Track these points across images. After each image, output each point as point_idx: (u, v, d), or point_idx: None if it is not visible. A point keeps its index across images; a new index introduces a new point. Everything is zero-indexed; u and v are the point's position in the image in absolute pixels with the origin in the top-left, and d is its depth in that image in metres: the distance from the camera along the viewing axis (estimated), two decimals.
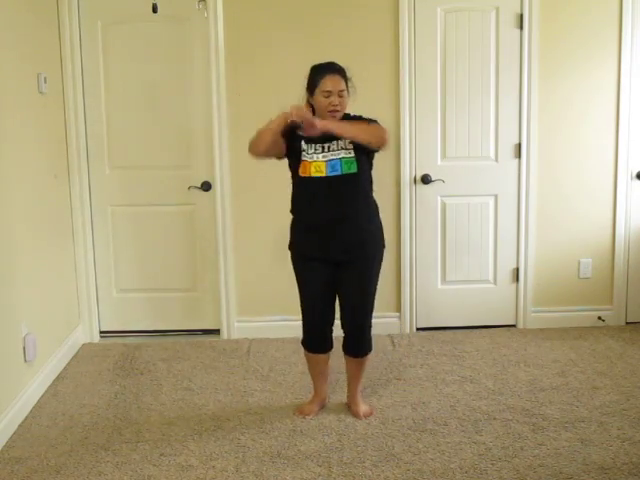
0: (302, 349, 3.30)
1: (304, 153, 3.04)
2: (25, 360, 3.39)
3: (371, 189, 3.16)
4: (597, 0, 4.16)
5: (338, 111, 3.02)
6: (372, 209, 3.16)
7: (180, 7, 4.13)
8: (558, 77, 4.22)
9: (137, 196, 4.32)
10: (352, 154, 3.01)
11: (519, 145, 4.29)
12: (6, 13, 3.32)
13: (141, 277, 4.41)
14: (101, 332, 4.43)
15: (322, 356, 3.26)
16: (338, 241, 3.07)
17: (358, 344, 3.20)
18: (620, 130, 4.27)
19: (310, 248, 3.12)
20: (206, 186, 4.28)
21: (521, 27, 4.18)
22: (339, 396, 3.45)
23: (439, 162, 4.31)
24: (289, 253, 3.22)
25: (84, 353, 4.18)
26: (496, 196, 4.36)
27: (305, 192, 3.09)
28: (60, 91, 4.08)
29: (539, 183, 4.32)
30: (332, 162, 3.00)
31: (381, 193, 4.24)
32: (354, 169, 3.02)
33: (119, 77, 4.20)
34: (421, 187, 4.32)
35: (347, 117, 3.09)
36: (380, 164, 4.22)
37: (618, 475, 2.74)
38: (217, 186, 4.25)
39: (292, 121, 2.93)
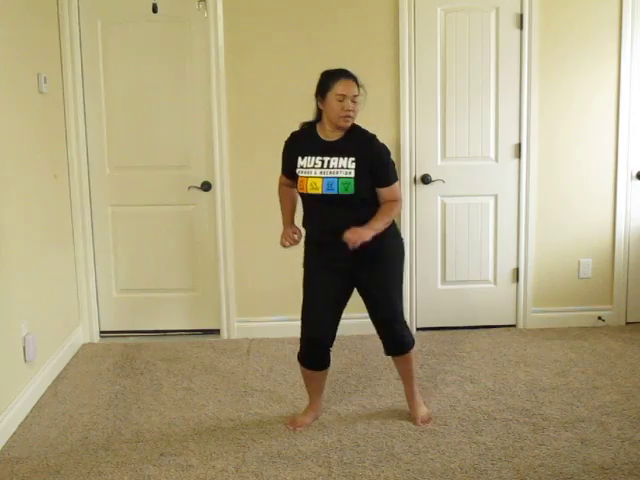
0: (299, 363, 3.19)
1: (300, 169, 2.97)
2: (25, 360, 3.40)
3: (371, 210, 2.98)
4: (597, 0, 4.16)
5: (351, 117, 2.94)
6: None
7: (180, 7, 4.13)
8: (558, 77, 4.22)
9: (137, 196, 4.32)
10: (352, 175, 2.92)
11: (519, 145, 4.29)
12: (6, 13, 3.32)
13: (141, 277, 4.41)
14: (101, 332, 4.43)
15: (319, 373, 3.17)
16: (341, 252, 2.92)
17: (395, 341, 3.11)
18: (620, 130, 4.27)
19: (317, 259, 3.07)
20: (206, 186, 4.28)
21: (521, 27, 4.18)
22: (339, 396, 3.45)
23: (439, 162, 4.31)
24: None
25: (84, 353, 4.18)
26: (496, 196, 4.36)
27: (306, 207, 3.07)
28: (60, 91, 4.08)
29: (539, 183, 4.32)
30: (329, 180, 2.93)
31: None
32: (351, 190, 2.92)
33: (119, 77, 4.20)
34: (421, 187, 4.32)
35: (353, 131, 3.00)
36: None
37: (618, 475, 2.74)
38: (217, 186, 4.25)
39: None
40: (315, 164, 2.95)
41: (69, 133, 4.15)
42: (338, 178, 2.92)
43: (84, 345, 4.31)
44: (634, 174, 4.34)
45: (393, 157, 4.18)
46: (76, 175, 4.21)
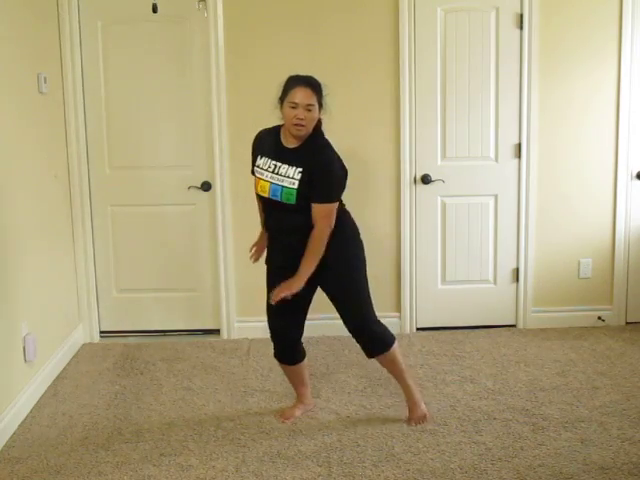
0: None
1: (257, 169, 3.04)
2: (25, 360, 3.40)
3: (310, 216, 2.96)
4: (597, 0, 4.16)
5: (303, 126, 2.88)
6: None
7: (180, 7, 4.13)
8: (558, 77, 4.22)
9: (137, 196, 4.32)
10: (295, 185, 2.89)
11: (519, 145, 4.29)
12: (6, 13, 3.32)
13: (141, 277, 4.40)
14: (101, 332, 4.43)
15: (296, 367, 3.23)
16: (288, 254, 3.01)
17: (368, 342, 3.12)
18: (620, 130, 4.27)
19: (274, 257, 3.14)
20: (206, 186, 4.28)
21: (521, 27, 4.18)
22: (339, 396, 3.45)
23: (439, 162, 4.31)
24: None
25: (84, 353, 4.18)
26: (496, 196, 4.36)
27: (262, 205, 3.13)
28: (60, 91, 4.08)
29: (539, 183, 4.32)
30: (274, 186, 2.95)
31: (381, 193, 4.30)
32: (292, 200, 2.92)
33: (119, 77, 4.19)
34: (421, 187, 4.32)
35: (309, 140, 2.94)
36: (380, 164, 4.27)
37: (618, 475, 2.74)
38: (217, 186, 4.25)
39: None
40: (268, 167, 2.99)
41: (69, 133, 4.15)
42: (282, 187, 2.94)
43: (84, 345, 4.31)
44: (634, 174, 4.34)
45: (393, 157, 4.25)
46: (76, 175, 4.21)
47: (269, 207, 3.06)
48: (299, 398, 3.34)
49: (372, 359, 3.20)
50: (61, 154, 4.11)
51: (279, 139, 3.01)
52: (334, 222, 2.96)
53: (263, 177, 3.00)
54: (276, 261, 3.13)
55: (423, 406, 3.23)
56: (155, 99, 4.22)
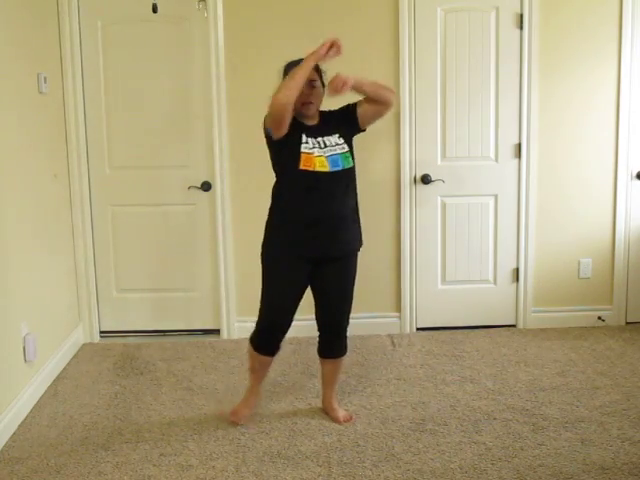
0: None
1: (304, 145, 2.94)
2: (25, 360, 3.40)
3: (355, 192, 3.13)
4: (597, 0, 4.16)
5: (312, 103, 2.96)
6: (357, 207, 3.14)
7: (180, 7, 4.13)
8: (558, 77, 4.23)
9: (137, 196, 4.32)
10: (346, 148, 3.01)
11: (519, 145, 4.29)
12: (6, 13, 3.32)
13: (141, 277, 4.41)
14: (101, 332, 4.43)
15: (271, 358, 3.22)
16: (334, 239, 3.03)
17: (339, 344, 3.19)
18: (620, 130, 4.27)
19: (301, 247, 3.01)
20: (206, 186, 4.28)
21: (521, 27, 4.18)
22: (339, 396, 3.45)
23: (439, 162, 4.31)
24: (261, 250, 3.11)
25: (84, 353, 4.19)
26: (496, 196, 4.36)
27: (304, 187, 2.96)
28: (60, 91, 4.08)
29: (539, 183, 4.32)
30: (333, 157, 2.96)
31: (381, 193, 4.30)
32: (351, 163, 3.02)
33: (119, 77, 4.20)
34: (421, 187, 4.32)
35: (322, 113, 3.06)
36: (380, 164, 4.27)
37: (618, 475, 2.74)
38: (217, 186, 4.25)
39: (327, 53, 2.84)
40: (314, 145, 2.96)
41: (69, 133, 4.15)
42: (339, 154, 2.98)
43: (84, 345, 4.31)
44: (634, 174, 4.34)
45: (393, 157, 4.26)
46: (76, 175, 4.21)
47: (318, 188, 2.95)
48: (253, 392, 3.28)
49: (326, 359, 3.25)
50: (61, 154, 4.11)
51: (300, 122, 2.97)
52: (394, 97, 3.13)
53: (316, 154, 2.93)
54: (310, 250, 3.02)
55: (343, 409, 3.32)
56: (155, 99, 4.22)
